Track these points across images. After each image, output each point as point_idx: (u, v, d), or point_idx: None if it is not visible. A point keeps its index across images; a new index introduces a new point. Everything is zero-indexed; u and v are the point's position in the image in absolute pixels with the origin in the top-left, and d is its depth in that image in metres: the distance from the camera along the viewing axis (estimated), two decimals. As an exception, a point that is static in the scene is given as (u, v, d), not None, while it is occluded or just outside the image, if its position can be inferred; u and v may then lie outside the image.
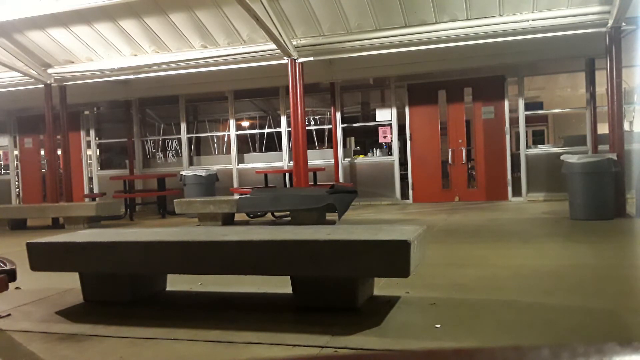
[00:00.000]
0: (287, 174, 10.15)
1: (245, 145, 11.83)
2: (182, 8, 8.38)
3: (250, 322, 2.96)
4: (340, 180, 10.49)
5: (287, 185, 10.04)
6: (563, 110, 12.57)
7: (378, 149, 10.83)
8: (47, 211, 9.06)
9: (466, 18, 7.83)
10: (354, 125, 11.03)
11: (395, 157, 10.43)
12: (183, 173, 10.37)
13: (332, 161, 10.60)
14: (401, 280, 3.32)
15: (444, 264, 4.35)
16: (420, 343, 2.57)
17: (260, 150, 11.72)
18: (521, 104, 9.78)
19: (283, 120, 11.14)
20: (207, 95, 11.78)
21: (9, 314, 3.36)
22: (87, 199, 11.20)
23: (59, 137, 10.65)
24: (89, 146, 12.69)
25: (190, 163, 11.92)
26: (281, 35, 8.02)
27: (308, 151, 8.91)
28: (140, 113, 12.46)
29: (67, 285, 3.89)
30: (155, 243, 3.31)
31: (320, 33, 8.44)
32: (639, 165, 7.34)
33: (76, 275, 3.58)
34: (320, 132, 11.31)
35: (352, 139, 10.98)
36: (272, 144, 11.52)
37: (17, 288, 3.83)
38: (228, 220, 7.97)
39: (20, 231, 8.54)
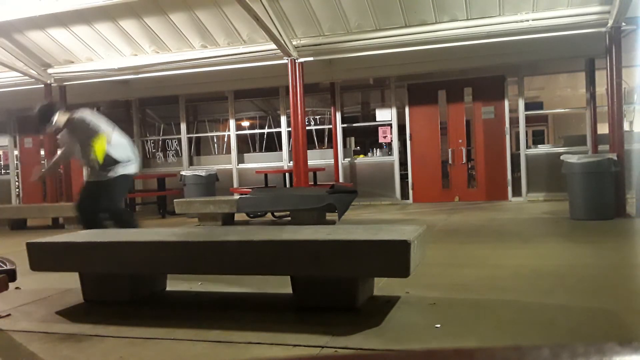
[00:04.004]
0: (287, 174, 10.16)
1: (245, 145, 11.83)
2: (182, 8, 8.39)
3: (251, 322, 2.96)
4: (340, 180, 10.50)
5: (287, 185, 10.04)
6: (563, 110, 12.58)
7: (378, 149, 10.83)
8: (47, 211, 9.06)
9: (466, 18, 7.83)
10: (354, 125, 11.03)
11: (395, 157, 10.43)
12: (183, 173, 10.37)
13: (332, 161, 10.60)
14: (401, 280, 3.32)
15: (444, 264, 4.35)
16: (420, 343, 2.57)
17: (260, 150, 11.72)
18: (521, 104, 9.78)
19: (283, 120, 11.14)
20: (207, 95, 11.78)
21: (9, 314, 3.36)
22: (87, 199, 11.17)
23: (59, 137, 10.63)
24: (89, 146, 12.67)
25: (190, 163, 11.92)
26: (281, 35, 8.02)
27: (308, 151, 8.92)
28: (140, 113, 12.47)
29: (67, 285, 3.89)
30: (155, 243, 3.31)
31: (320, 33, 8.45)
32: (639, 165, 7.34)
33: (76, 275, 3.58)
34: (320, 132, 11.31)
35: (352, 139, 10.98)
36: (272, 144, 11.52)
37: (17, 288, 3.82)
38: (228, 220, 7.97)
39: (20, 231, 8.54)
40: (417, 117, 10.42)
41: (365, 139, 11.40)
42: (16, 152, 13.37)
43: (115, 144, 4.70)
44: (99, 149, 4.52)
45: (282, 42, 8.10)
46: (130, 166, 4.87)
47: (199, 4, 8.25)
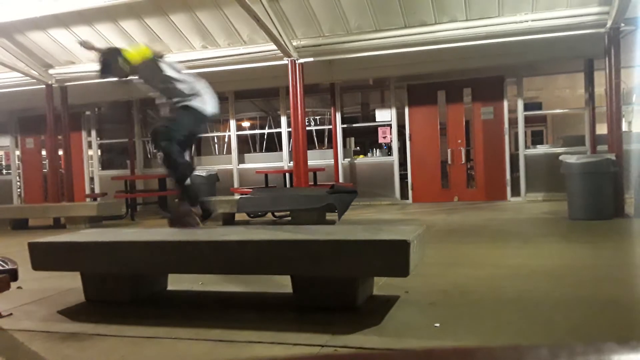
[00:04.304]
0: (287, 174, 10.17)
1: (246, 145, 11.86)
2: (183, 9, 8.40)
3: (251, 321, 2.98)
4: (340, 180, 10.51)
5: (287, 185, 10.05)
6: (562, 110, 12.58)
7: (378, 149, 10.85)
8: (48, 211, 9.07)
9: (465, 19, 7.85)
10: (354, 125, 11.05)
11: (394, 157, 10.45)
12: (183, 173, 10.35)
13: (332, 161, 10.61)
14: (401, 279, 3.33)
15: (444, 264, 4.36)
16: (419, 342, 2.59)
17: (261, 151, 11.75)
18: (520, 104, 9.80)
19: (283, 120, 11.15)
20: (207, 95, 11.76)
21: (11, 314, 3.38)
22: (88, 199, 11.21)
23: (60, 137, 10.66)
24: (90, 146, 12.70)
25: (191, 163, 11.92)
26: (281, 36, 8.04)
27: (308, 151, 8.93)
28: (141, 113, 12.47)
29: (69, 284, 3.90)
30: (156, 243, 3.33)
31: (320, 34, 8.46)
32: (638, 165, 7.36)
33: (77, 274, 3.59)
34: (320, 133, 11.33)
35: (352, 139, 11.00)
36: (272, 144, 11.54)
37: (18, 287, 3.83)
38: (229, 220, 7.98)
39: (22, 231, 8.54)
40: (417, 118, 10.43)
41: (365, 139, 11.42)
42: (18, 153, 13.39)
43: (184, 80, 4.45)
44: (135, 53, 4.32)
45: (282, 42, 8.11)
46: (197, 101, 4.42)
47: (199, 4, 8.26)
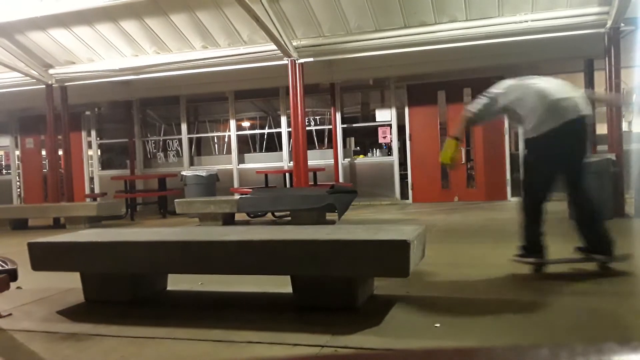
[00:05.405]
0: (287, 174, 10.17)
1: (246, 145, 11.85)
2: (183, 9, 8.40)
3: (251, 322, 2.98)
4: (340, 180, 10.51)
5: (287, 185, 10.05)
6: (563, 110, 12.57)
7: (378, 149, 10.85)
8: (48, 211, 9.07)
9: (465, 19, 7.85)
10: (354, 125, 11.04)
11: (395, 157, 10.44)
12: (184, 173, 10.38)
13: (332, 161, 10.61)
14: (401, 280, 3.33)
15: (444, 264, 4.36)
16: (419, 342, 2.58)
17: (261, 151, 11.74)
18: (521, 104, 9.78)
19: (283, 120, 11.15)
20: (207, 95, 11.79)
21: (11, 314, 3.38)
22: (88, 199, 11.21)
23: (60, 137, 10.67)
24: (90, 146, 12.70)
25: (191, 163, 11.93)
26: (281, 36, 8.04)
27: (308, 151, 8.93)
28: (141, 113, 12.48)
29: (68, 284, 3.90)
30: (156, 243, 3.33)
31: (320, 34, 8.46)
32: (638, 165, 7.35)
33: (77, 274, 3.59)
34: (320, 133, 11.31)
35: (352, 139, 10.99)
36: (272, 144, 11.53)
37: (18, 288, 3.83)
38: (228, 220, 7.98)
39: (22, 231, 8.54)
40: (417, 118, 10.43)
41: (365, 139, 11.40)
42: (17, 153, 13.39)
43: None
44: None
45: (282, 42, 8.11)
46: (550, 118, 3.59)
47: (199, 4, 8.26)
